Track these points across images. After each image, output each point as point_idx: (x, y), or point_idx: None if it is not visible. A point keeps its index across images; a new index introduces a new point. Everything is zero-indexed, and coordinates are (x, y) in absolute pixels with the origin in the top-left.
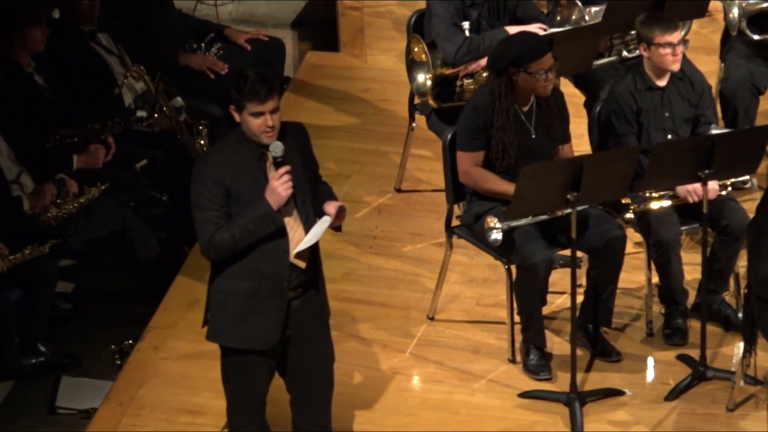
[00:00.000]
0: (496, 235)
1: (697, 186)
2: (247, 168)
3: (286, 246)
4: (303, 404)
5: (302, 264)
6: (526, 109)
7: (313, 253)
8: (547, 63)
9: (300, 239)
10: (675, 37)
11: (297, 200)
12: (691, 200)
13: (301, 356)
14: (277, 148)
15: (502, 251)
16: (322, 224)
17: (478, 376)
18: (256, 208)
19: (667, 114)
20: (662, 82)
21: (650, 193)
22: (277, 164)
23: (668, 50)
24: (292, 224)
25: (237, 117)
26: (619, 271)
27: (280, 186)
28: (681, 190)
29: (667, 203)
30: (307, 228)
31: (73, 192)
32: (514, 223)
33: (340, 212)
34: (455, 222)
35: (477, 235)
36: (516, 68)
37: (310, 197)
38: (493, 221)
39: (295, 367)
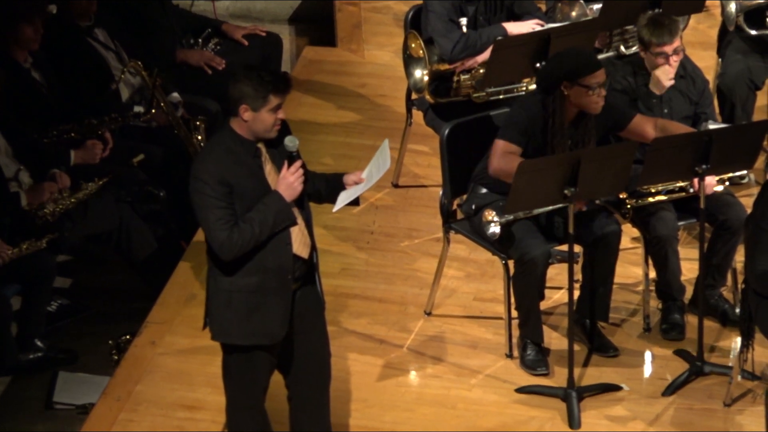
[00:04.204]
0: (495, 229)
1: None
2: (245, 165)
3: (288, 238)
4: (301, 400)
5: (305, 254)
6: (566, 124)
7: (313, 242)
8: (601, 77)
9: (300, 230)
10: (669, 48)
11: None
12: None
13: (300, 350)
14: (293, 143)
15: (500, 245)
16: (357, 189)
17: (476, 371)
18: (270, 203)
19: (666, 110)
20: None
21: (648, 189)
22: (292, 158)
23: (662, 60)
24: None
25: (248, 116)
26: (615, 266)
27: (297, 180)
28: None
29: (664, 198)
30: (304, 218)
31: (65, 186)
32: (513, 217)
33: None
34: (458, 215)
35: (475, 228)
36: (570, 82)
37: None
38: (491, 215)
39: (293, 362)
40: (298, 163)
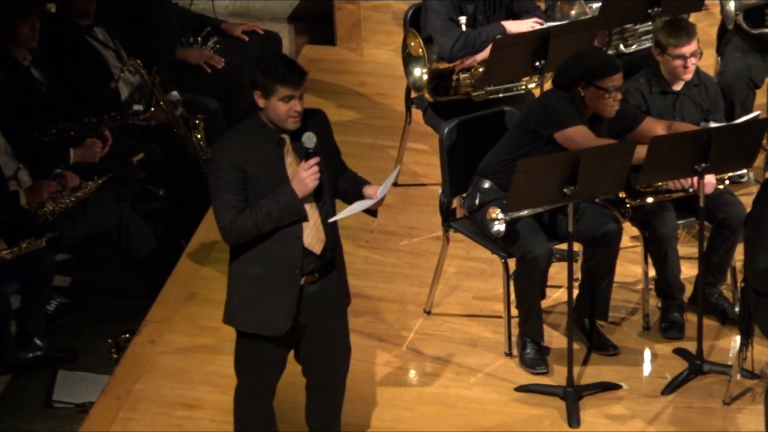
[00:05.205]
0: (499, 227)
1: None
2: (265, 153)
3: (299, 232)
4: (314, 395)
5: (317, 250)
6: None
7: (332, 238)
8: (619, 81)
9: (315, 225)
10: (688, 49)
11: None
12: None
13: (313, 346)
14: (310, 140)
15: (503, 243)
16: (362, 204)
17: (475, 369)
18: (280, 196)
19: (678, 119)
20: (677, 87)
21: (647, 187)
22: (309, 155)
23: (680, 62)
24: (308, 210)
25: (261, 102)
26: (615, 263)
27: (309, 177)
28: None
29: (664, 197)
30: (323, 214)
31: (73, 185)
32: (517, 214)
33: (381, 199)
34: (458, 213)
35: (478, 224)
36: (587, 82)
37: (328, 184)
38: (495, 212)
39: (308, 356)
40: (312, 161)
